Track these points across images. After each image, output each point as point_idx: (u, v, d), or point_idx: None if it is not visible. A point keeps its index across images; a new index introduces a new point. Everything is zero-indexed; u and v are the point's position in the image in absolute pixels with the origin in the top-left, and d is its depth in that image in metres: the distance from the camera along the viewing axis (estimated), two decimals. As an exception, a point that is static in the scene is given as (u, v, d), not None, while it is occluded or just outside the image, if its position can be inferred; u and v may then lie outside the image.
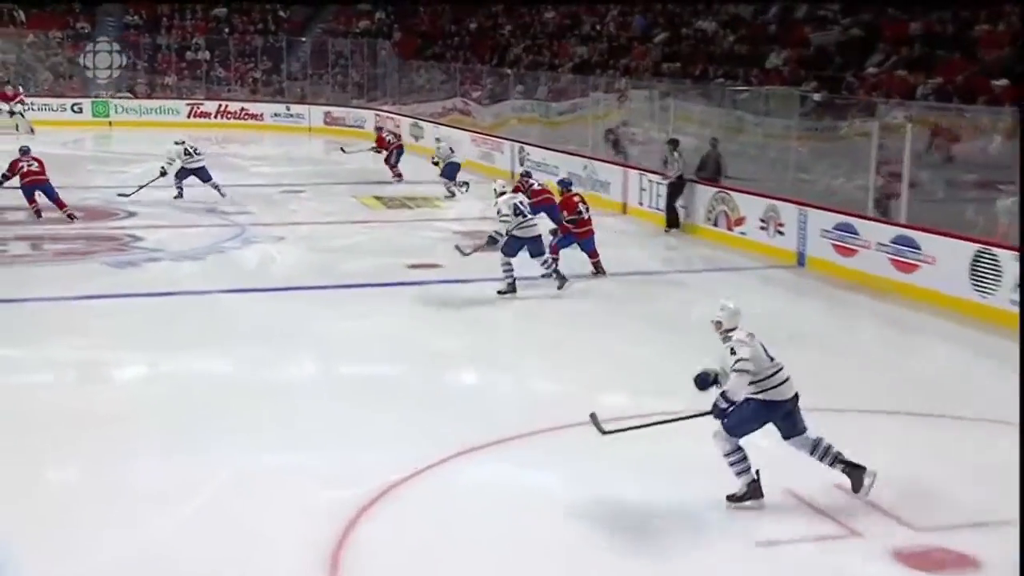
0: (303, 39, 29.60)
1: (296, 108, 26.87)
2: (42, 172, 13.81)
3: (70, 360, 8.11)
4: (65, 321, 9.07)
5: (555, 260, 10.31)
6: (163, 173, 15.11)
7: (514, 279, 9.93)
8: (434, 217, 14.65)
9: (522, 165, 18.05)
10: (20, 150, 14.25)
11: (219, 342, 8.55)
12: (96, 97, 27.02)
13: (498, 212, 9.95)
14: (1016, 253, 8.75)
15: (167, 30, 29.52)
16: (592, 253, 10.75)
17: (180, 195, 15.16)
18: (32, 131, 22.35)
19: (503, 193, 10.28)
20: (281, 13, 30.86)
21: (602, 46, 21.57)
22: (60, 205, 13.56)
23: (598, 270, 10.76)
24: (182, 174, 15.21)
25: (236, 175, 18.30)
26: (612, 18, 22.54)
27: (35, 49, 28.25)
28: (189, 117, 26.61)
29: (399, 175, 17.47)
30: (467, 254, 10.29)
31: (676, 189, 13.34)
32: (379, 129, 19.94)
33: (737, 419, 5.42)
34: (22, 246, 11.96)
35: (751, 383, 5.39)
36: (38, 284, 10.24)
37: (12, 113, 23.30)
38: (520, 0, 26.09)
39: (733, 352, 5.40)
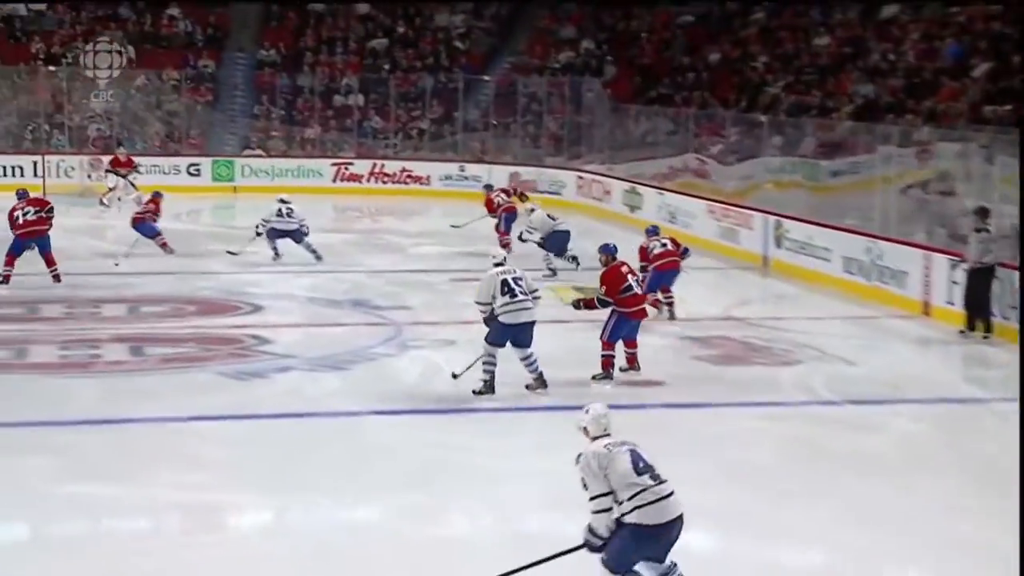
0: (485, 78, 30.72)
1: (473, 168, 27.77)
2: (40, 222, 15.50)
3: (176, 503, 8.47)
4: (171, 449, 9.53)
5: (611, 358, 11.35)
6: (258, 233, 17.78)
7: (493, 376, 10.72)
8: (657, 317, 14.74)
9: (779, 246, 17.88)
10: (17, 194, 15.99)
11: (366, 482, 8.77)
12: (219, 156, 28.83)
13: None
14: None
15: (311, 68, 31.31)
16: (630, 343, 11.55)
17: (276, 255, 17.84)
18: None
19: (499, 264, 10.97)
20: (457, 44, 32.20)
21: (896, 83, 21.29)
22: (49, 262, 15.52)
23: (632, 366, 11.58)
24: (272, 234, 17.77)
25: (392, 257, 19.06)
26: (911, 44, 22.28)
27: (145, 94, 30.50)
28: (335, 181, 28.00)
29: (507, 245, 17.99)
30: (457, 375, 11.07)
31: (982, 278, 13.18)
32: (489, 188, 20.47)
33: (613, 551, 6.14)
34: (119, 350, 12.70)
35: (618, 501, 6.12)
36: (138, 400, 10.83)
37: (128, 181, 24.83)
38: (787, 21, 26.20)
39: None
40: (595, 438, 6.38)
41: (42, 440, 9.70)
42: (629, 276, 11.44)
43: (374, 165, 28.27)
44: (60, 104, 29.26)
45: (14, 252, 15.62)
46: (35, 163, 26.91)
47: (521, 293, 10.71)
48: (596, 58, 30.84)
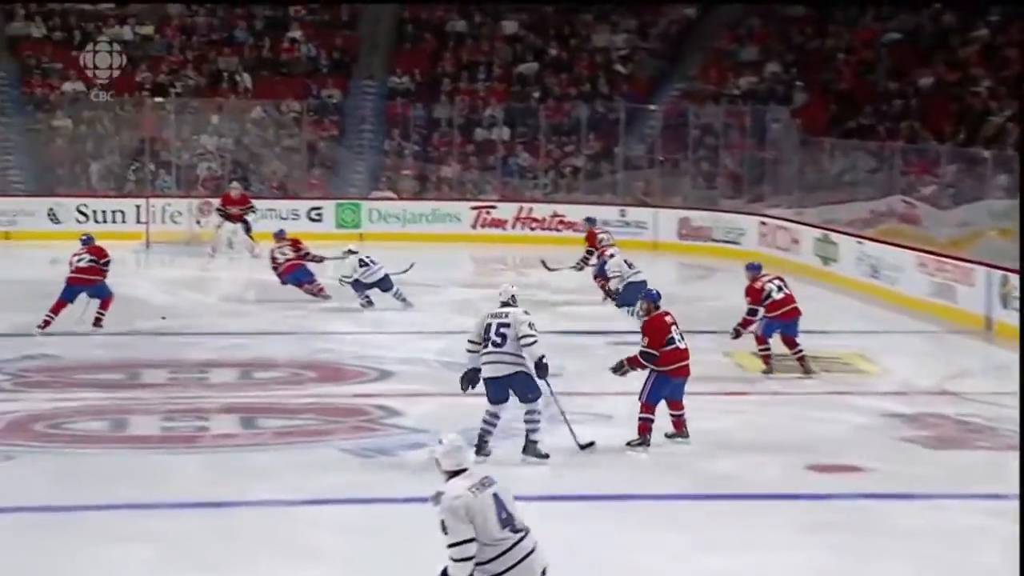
0: (651, 107, 30.79)
1: (636, 213, 27.79)
2: (92, 271, 16.69)
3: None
4: (282, 537, 9.59)
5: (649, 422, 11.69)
6: (343, 283, 19.05)
7: (482, 435, 11.18)
8: (855, 388, 14.56)
9: (1005, 306, 17.45)
10: (81, 240, 17.31)
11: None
12: (343, 198, 29.32)
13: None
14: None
15: (449, 97, 31.74)
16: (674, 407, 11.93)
17: (369, 303, 18.88)
18: (254, 251, 24.22)
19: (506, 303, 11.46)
20: (619, 68, 32.31)
21: None
22: (102, 306, 16.77)
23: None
24: (359, 287, 18.83)
25: (540, 317, 18.77)
26: None
27: (261, 128, 31.25)
28: (475, 227, 28.32)
29: (609, 293, 18.42)
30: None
31: None
32: (591, 221, 20.97)
33: None
34: (229, 422, 12.92)
35: (480, 563, 6.39)
36: (247, 480, 10.99)
37: (244, 224, 25.26)
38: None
39: None
40: (451, 474, 6.66)
41: (137, 525, 9.85)
42: (673, 328, 11.82)
43: (520, 209, 28.52)
44: (167, 140, 30.10)
45: (64, 298, 16.75)
46: (138, 207, 27.79)
47: (495, 342, 11.16)
48: (783, 83, 30.59)
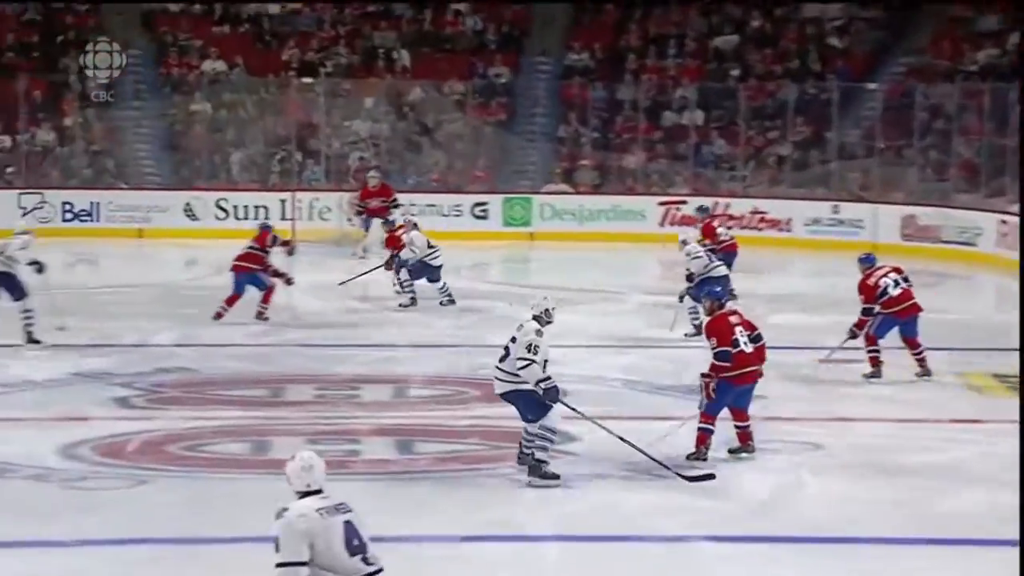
0: (870, 86, 30.48)
1: (851, 209, 27.61)
2: (251, 259, 18.22)
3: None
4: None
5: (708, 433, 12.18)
6: (388, 267, 20.50)
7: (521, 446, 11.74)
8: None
9: None
10: (261, 227, 18.80)
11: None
12: (512, 192, 29.50)
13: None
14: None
15: (634, 76, 31.71)
16: None
17: (413, 301, 19.85)
18: (363, 253, 24.71)
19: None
20: (832, 42, 31.99)
21: None
22: (264, 299, 18.40)
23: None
24: (417, 271, 19.72)
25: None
26: None
27: (420, 112, 31.55)
28: (663, 224, 28.32)
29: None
30: None
31: None
32: (704, 210, 21.55)
33: None
34: (382, 446, 13.10)
35: None
36: (402, 512, 11.01)
37: (385, 221, 25.34)
38: None
39: None
40: (302, 494, 7.21)
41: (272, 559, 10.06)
42: (738, 329, 12.12)
43: (715, 204, 28.29)
44: (315, 126, 30.56)
45: (235, 291, 18.29)
46: (283, 202, 28.11)
47: (500, 356, 11.70)
48: (1029, 56, 30.02)
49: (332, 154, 30.53)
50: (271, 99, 31.36)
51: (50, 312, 17.30)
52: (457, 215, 28.41)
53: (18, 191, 28.66)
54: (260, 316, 18.36)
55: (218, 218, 27.92)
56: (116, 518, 10.78)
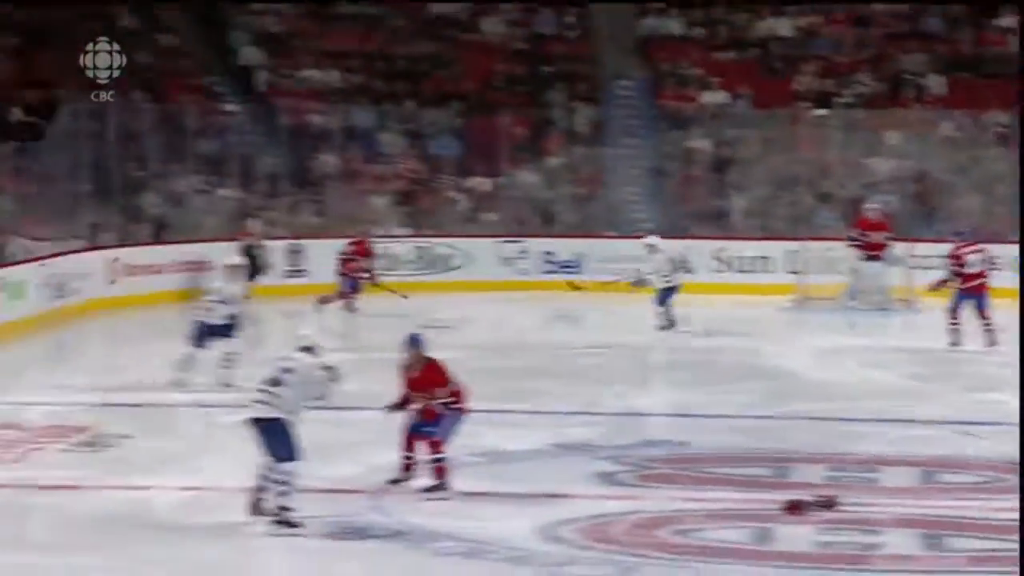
0: None
1: None
2: (361, 253, 23.21)
3: None
4: None
5: None
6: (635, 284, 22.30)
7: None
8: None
9: None
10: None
11: None
12: None
13: None
14: None
15: None
16: None
17: (671, 324, 21.75)
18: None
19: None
20: None
21: None
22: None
23: None
24: (665, 294, 21.91)
25: None
26: None
27: (953, 148, 30.73)
28: None
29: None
30: None
31: None
32: (960, 235, 21.04)
33: None
34: (907, 539, 12.81)
35: None
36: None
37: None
38: None
39: None
40: None
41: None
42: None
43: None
44: (828, 165, 30.28)
45: (346, 288, 22.97)
46: (787, 252, 28.05)
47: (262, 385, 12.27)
48: None
49: (846, 197, 30.05)
50: (779, 134, 31.19)
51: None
52: (995, 269, 27.49)
53: (498, 239, 29.42)
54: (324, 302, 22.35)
55: (716, 271, 27.86)
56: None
